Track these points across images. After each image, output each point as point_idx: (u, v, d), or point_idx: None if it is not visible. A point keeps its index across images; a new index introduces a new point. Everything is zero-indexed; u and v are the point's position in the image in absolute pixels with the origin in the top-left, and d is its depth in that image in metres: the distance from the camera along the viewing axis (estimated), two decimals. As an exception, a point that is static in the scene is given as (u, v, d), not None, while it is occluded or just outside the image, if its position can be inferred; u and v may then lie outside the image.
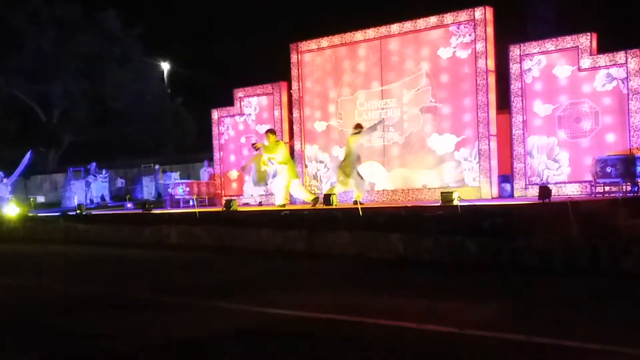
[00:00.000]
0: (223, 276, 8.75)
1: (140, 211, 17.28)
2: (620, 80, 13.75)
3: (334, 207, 14.16)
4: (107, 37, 44.40)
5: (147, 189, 32.18)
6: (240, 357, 4.65)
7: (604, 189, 13.63)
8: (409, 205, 13.31)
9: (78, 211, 18.29)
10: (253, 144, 16.67)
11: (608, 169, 13.49)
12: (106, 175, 31.20)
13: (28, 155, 24.94)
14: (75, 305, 6.85)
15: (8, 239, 15.75)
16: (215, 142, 20.21)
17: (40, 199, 30.12)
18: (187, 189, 20.28)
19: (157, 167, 31.50)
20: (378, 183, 16.69)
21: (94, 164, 30.91)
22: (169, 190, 21.27)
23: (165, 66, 47.97)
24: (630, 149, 13.62)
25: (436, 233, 9.24)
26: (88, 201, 27.63)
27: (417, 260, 9.00)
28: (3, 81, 43.03)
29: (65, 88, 44.13)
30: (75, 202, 20.46)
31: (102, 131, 45.71)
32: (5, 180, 24.66)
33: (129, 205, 21.10)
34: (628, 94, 13.65)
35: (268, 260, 10.04)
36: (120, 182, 32.26)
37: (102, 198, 29.92)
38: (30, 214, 20.00)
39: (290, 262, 9.73)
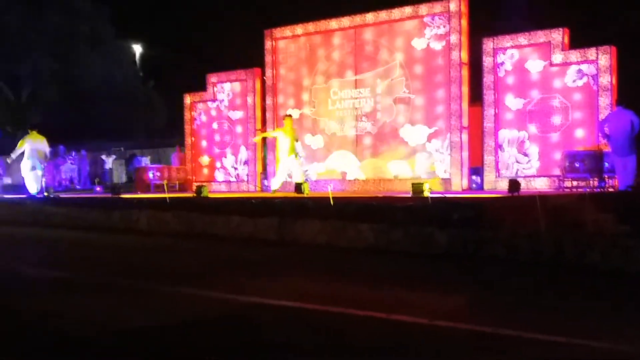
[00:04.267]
0: (191, 262, 8.74)
1: (109, 195, 17.14)
2: (591, 76, 13.94)
3: (305, 195, 14.18)
4: (76, 16, 43.60)
5: (117, 173, 31.93)
6: (203, 344, 4.66)
7: (572, 183, 13.82)
8: (380, 195, 13.38)
9: (46, 194, 18.08)
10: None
11: (576, 164, 13.68)
12: (75, 157, 30.87)
13: None
14: (36, 288, 6.79)
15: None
16: (187, 127, 20.09)
17: (7, 180, 29.62)
18: (158, 173, 20.17)
19: (122, 150, 31.26)
20: (350, 173, 16.74)
21: (62, 147, 30.53)
22: (139, 174, 21.11)
23: (137, 49, 47.44)
24: (598, 144, 13.83)
25: (406, 223, 9.33)
26: (56, 184, 27.32)
27: (387, 250, 9.08)
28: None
29: (34, 67, 43.37)
30: (44, 184, 20.16)
31: (71, 113, 45.01)
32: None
33: (98, 189, 20.93)
34: (598, 90, 13.85)
35: (238, 247, 10.04)
36: (107, 163, 31.80)
37: (71, 181, 29.59)
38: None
39: (261, 249, 9.74)
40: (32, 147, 18.13)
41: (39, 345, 4.64)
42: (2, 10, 41.94)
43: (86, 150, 32.22)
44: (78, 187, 28.60)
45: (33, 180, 18.23)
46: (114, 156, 32.25)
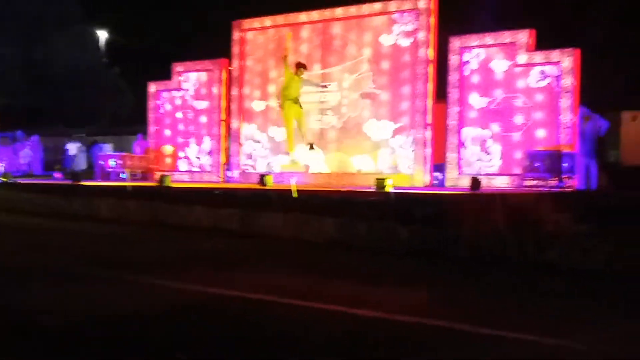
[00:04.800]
0: (153, 252, 8.66)
1: (69, 182, 16.89)
2: (554, 77, 14.13)
3: (267, 187, 14.16)
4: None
5: (79, 159, 31.45)
6: (161, 335, 4.62)
7: (532, 183, 14.01)
8: (343, 189, 13.42)
9: (4, 179, 17.76)
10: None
11: (537, 164, 13.89)
12: (34, 143, 30.33)
13: None
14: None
15: None
16: (150, 116, 19.89)
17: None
18: (120, 161, 19.93)
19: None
20: (313, 166, 16.74)
21: (20, 132, 29.96)
22: (100, 162, 20.83)
23: (103, 34, 46.72)
24: (558, 145, 14.03)
25: (369, 218, 9.35)
26: (14, 169, 26.82)
27: (350, 244, 9.09)
28: None
29: (-4, 50, 42.57)
30: (1, 169, 19.80)
31: (34, 97, 44.28)
32: None
33: (58, 175, 20.61)
34: (559, 92, 14.05)
35: (198, 238, 9.98)
36: (70, 149, 31.21)
37: (30, 166, 29.09)
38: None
39: (224, 240, 9.69)
40: None
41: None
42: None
43: (48, 135, 31.68)
44: (34, 172, 28.10)
45: None
46: (78, 143, 31.75)
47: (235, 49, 18.04)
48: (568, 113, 13.93)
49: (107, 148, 29.37)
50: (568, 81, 13.98)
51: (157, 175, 17.94)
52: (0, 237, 10.24)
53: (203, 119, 18.81)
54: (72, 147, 31.70)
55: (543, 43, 14.62)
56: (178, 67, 19.34)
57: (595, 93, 16.03)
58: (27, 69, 44.20)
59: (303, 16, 17.00)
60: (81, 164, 30.71)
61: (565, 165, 13.76)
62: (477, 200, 11.38)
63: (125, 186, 13.49)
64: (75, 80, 44.73)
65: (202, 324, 4.89)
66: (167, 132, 19.54)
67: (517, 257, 7.88)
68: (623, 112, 23.95)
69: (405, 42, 15.51)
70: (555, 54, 14.15)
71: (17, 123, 34.79)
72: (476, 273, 7.41)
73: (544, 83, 14.23)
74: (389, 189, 12.41)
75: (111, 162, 19.91)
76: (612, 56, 26.13)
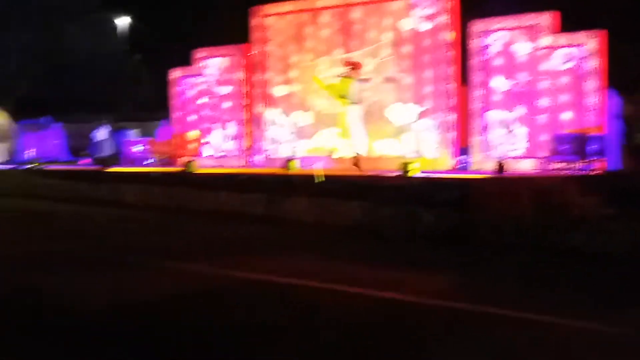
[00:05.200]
0: (181, 236, 8.75)
1: (97, 168, 17.06)
2: (579, 59, 13.98)
3: (292, 172, 14.20)
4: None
5: (105, 145, 31.67)
6: (196, 319, 4.70)
7: (558, 166, 13.90)
8: (368, 173, 13.41)
9: (33, 165, 17.97)
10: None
11: (563, 146, 13.78)
12: (59, 129, 30.65)
13: None
14: (22, 264, 6.79)
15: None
16: (173, 102, 19.96)
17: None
18: (145, 147, 20.05)
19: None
20: (338, 149, 16.71)
21: (49, 118, 30.27)
22: (126, 148, 20.98)
23: (124, 22, 46.99)
24: (585, 127, 13.90)
25: (393, 202, 9.37)
26: (42, 155, 27.10)
27: (374, 228, 9.12)
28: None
29: (17, 40, 43.10)
30: (29, 155, 20.02)
31: (58, 86, 44.78)
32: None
33: (85, 161, 20.81)
34: (585, 74, 13.91)
35: (225, 223, 10.06)
36: (97, 136, 31.51)
37: (56, 152, 29.37)
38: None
39: (248, 225, 9.76)
40: None
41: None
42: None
43: (73, 122, 31.96)
44: (61, 158, 28.38)
45: None
46: (107, 128, 32.04)
47: (256, 35, 18.03)
48: (594, 95, 13.80)
49: (133, 134, 29.55)
50: (594, 63, 13.83)
51: (183, 160, 18.04)
52: (28, 224, 10.39)
53: (226, 104, 18.83)
54: (100, 133, 31.95)
55: (568, 25, 14.46)
56: (199, 53, 19.35)
57: (622, 75, 15.83)
58: (50, 58, 44.60)
59: (322, 1, 16.93)
60: (107, 149, 30.95)
61: (593, 147, 13.63)
62: (502, 183, 11.35)
63: (149, 172, 13.59)
64: (98, 68, 45.13)
65: (228, 308, 4.96)
66: (191, 118, 19.60)
67: (541, 241, 7.87)
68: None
69: (427, 26, 15.38)
70: (580, 36, 13.97)
71: (42, 111, 35.23)
72: (501, 257, 7.42)
73: (569, 65, 14.08)
74: (415, 172, 12.39)
75: (137, 148, 20.05)
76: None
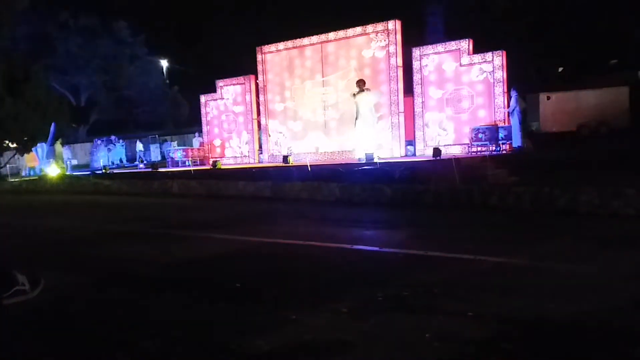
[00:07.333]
0: (209, 215, 8.74)
1: (149, 170, 16.99)
2: (489, 72, 14.02)
3: (290, 165, 14.18)
4: (119, 42, 43.30)
5: (154, 154, 31.61)
6: (226, 270, 4.71)
7: (477, 149, 13.99)
8: (343, 162, 13.42)
9: (104, 170, 17.88)
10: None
11: (480, 135, 13.83)
12: (123, 143, 30.49)
13: (52, 125, 22.93)
14: (102, 238, 6.78)
15: (52, 191, 15.34)
16: (203, 119, 19.87)
17: (74, 162, 29.19)
18: (184, 153, 19.99)
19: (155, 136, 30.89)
20: (321, 146, 16.74)
21: (113, 137, 30.14)
22: (170, 154, 20.91)
23: (164, 63, 46.73)
24: (494, 121, 13.96)
25: (362, 182, 9.40)
26: (110, 163, 26.98)
27: (350, 201, 9.15)
28: (42, 75, 41.28)
29: (89, 79, 43.00)
30: (101, 163, 19.86)
31: (118, 112, 44.71)
32: (46, 147, 23.50)
33: (141, 165, 20.69)
34: (493, 83, 13.95)
35: (244, 203, 10.05)
36: (150, 147, 31.59)
37: (120, 160, 29.28)
38: (67, 173, 19.44)
39: (260, 204, 9.76)
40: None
41: (105, 276, 4.67)
42: (65, 39, 41.40)
43: (130, 138, 31.91)
44: (126, 165, 28.26)
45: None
46: (156, 141, 32.09)
47: (259, 67, 17.95)
48: (501, 97, 13.85)
49: (174, 144, 29.36)
50: (499, 74, 13.87)
51: (211, 161, 17.99)
52: (102, 211, 10.33)
53: (240, 119, 18.79)
54: (151, 146, 31.89)
55: (480, 48, 14.48)
56: (220, 82, 19.26)
57: (520, 81, 15.87)
58: (113, 91, 44.41)
59: (306, 40, 16.86)
60: (156, 156, 30.85)
61: (501, 134, 13.70)
62: (438, 164, 11.41)
63: (188, 170, 13.52)
64: (148, 97, 44.99)
65: (249, 263, 4.98)
66: (215, 130, 19.54)
67: (468, 203, 7.93)
68: (540, 94, 23.79)
69: (381, 54, 15.37)
70: (488, 55, 14.01)
71: (109, 130, 34.99)
72: (439, 216, 7.47)
73: (482, 77, 14.12)
74: (376, 160, 12.42)
75: (178, 154, 19.98)
76: (530, 54, 25.81)
